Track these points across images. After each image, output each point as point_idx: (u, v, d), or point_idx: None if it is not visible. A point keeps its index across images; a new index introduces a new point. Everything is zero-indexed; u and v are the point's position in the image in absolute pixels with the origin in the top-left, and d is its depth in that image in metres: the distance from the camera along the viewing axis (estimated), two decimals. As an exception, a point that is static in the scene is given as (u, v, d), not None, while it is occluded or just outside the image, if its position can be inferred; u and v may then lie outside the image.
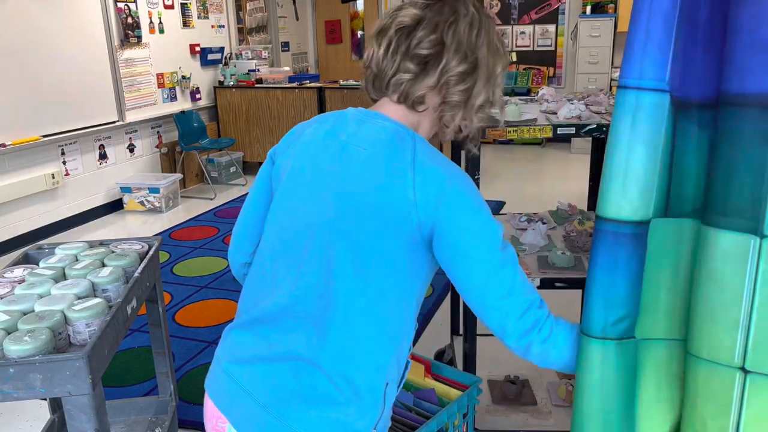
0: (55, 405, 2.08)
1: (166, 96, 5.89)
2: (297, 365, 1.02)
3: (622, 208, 0.92)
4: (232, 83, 6.47)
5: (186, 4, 6.10)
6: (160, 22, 5.76)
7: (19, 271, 1.77)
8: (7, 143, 4.27)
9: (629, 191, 0.91)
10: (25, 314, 1.51)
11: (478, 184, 1.79)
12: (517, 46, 7.62)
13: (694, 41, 0.89)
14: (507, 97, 2.25)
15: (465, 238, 0.98)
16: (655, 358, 0.97)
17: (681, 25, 0.88)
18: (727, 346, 0.87)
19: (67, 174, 4.90)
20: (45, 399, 2.21)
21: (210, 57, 6.45)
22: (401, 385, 1.11)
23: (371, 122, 1.06)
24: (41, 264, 1.81)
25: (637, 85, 0.90)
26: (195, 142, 5.96)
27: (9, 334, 1.42)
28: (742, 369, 0.87)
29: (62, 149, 4.84)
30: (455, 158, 2.53)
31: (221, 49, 6.64)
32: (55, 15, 4.65)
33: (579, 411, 0.99)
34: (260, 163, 1.28)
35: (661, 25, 0.88)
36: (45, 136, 4.57)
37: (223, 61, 6.65)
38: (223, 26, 6.70)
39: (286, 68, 7.00)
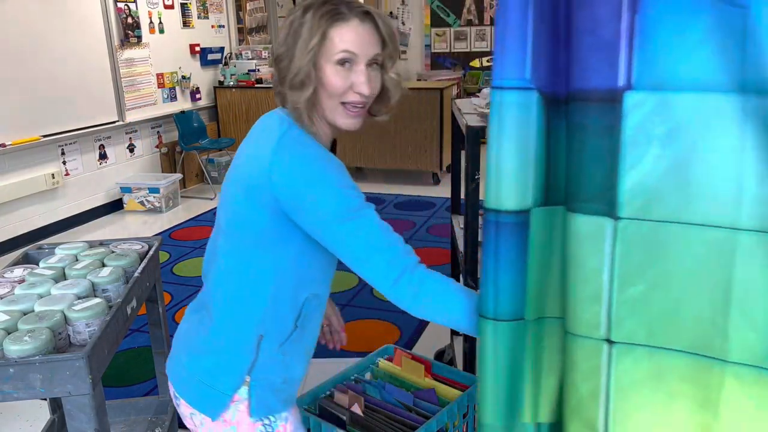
0: (55, 405, 2.08)
1: (166, 96, 5.89)
2: (202, 314, 1.25)
3: (501, 199, 0.98)
4: (232, 83, 6.48)
5: (186, 4, 6.10)
6: (160, 22, 5.76)
7: (19, 271, 1.77)
8: (7, 143, 4.27)
9: (503, 184, 0.97)
10: (25, 314, 1.51)
11: (477, 185, 1.79)
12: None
13: (557, 40, 0.94)
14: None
15: (311, 210, 1.09)
16: (541, 336, 1.05)
17: (539, 25, 0.93)
18: (592, 321, 0.95)
19: (67, 174, 4.90)
20: (45, 399, 2.21)
21: (210, 57, 6.45)
22: (302, 346, 1.24)
23: (273, 114, 1.21)
24: (41, 264, 1.81)
25: (499, 85, 0.95)
26: (195, 142, 5.96)
27: (9, 334, 1.42)
28: (608, 341, 0.95)
29: (62, 149, 4.85)
30: (456, 156, 2.53)
31: (221, 49, 6.64)
32: (55, 15, 4.65)
33: (480, 388, 1.07)
34: (260, 163, 1.33)
35: (516, 28, 0.93)
36: (45, 136, 4.57)
37: (223, 61, 6.65)
38: (223, 26, 6.70)
39: (286, 68, 6.98)
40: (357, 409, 1.54)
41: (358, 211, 1.09)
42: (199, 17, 6.29)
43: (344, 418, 1.51)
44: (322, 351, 1.45)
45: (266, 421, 1.22)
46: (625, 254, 0.92)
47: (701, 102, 0.85)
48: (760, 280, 0.85)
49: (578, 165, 0.95)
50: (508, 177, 0.96)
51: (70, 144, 4.91)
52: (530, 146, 0.96)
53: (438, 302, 1.09)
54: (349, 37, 1.11)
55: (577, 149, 0.94)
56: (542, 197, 1.00)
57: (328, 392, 1.63)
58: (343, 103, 1.15)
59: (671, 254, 0.90)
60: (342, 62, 1.12)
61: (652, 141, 0.88)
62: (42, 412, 2.42)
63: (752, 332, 0.86)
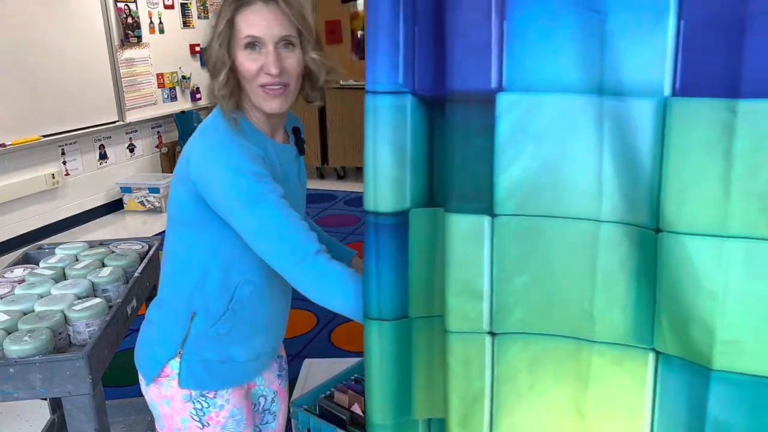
0: (55, 405, 2.08)
1: (166, 96, 5.89)
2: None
3: (378, 201, 1.00)
4: (232, 83, 6.46)
5: (186, 4, 6.10)
6: (160, 22, 5.76)
7: (19, 271, 1.77)
8: (7, 143, 4.27)
9: (380, 187, 0.99)
10: (25, 314, 1.51)
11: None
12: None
13: (436, 43, 0.97)
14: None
15: (218, 194, 1.13)
16: (425, 334, 1.07)
17: (412, 27, 0.96)
18: (475, 316, 0.99)
19: (67, 174, 4.90)
20: (45, 399, 2.21)
21: (210, 57, 6.44)
22: (242, 330, 1.27)
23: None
24: (41, 264, 1.81)
25: (372, 89, 0.98)
26: (195, 142, 5.95)
27: (9, 334, 1.42)
28: (491, 333, 1.00)
29: (62, 149, 4.84)
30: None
31: (221, 49, 6.63)
32: (56, 15, 4.64)
33: (367, 388, 1.09)
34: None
35: (387, 31, 0.96)
36: (45, 136, 4.56)
37: (223, 61, 6.64)
38: (223, 26, 6.69)
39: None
40: (357, 409, 1.54)
41: (262, 196, 1.11)
42: (199, 17, 6.29)
43: (344, 418, 1.51)
44: (322, 351, 1.45)
45: (198, 406, 1.27)
46: (505, 249, 0.97)
47: (567, 103, 0.90)
48: (619, 266, 0.93)
49: (457, 165, 0.97)
50: (385, 180, 0.99)
51: (71, 144, 4.91)
52: (406, 149, 1.00)
53: (335, 289, 1.11)
54: (252, 20, 1.15)
55: (456, 150, 0.96)
56: (423, 198, 1.03)
57: (328, 392, 1.63)
58: (261, 86, 1.17)
59: (547, 247, 0.96)
60: (250, 46, 1.16)
61: (526, 140, 0.93)
62: (42, 412, 2.42)
63: (614, 313, 0.94)
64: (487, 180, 0.95)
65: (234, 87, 1.19)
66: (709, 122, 0.84)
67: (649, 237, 0.90)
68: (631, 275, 0.93)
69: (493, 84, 0.92)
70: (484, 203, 0.96)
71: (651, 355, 0.95)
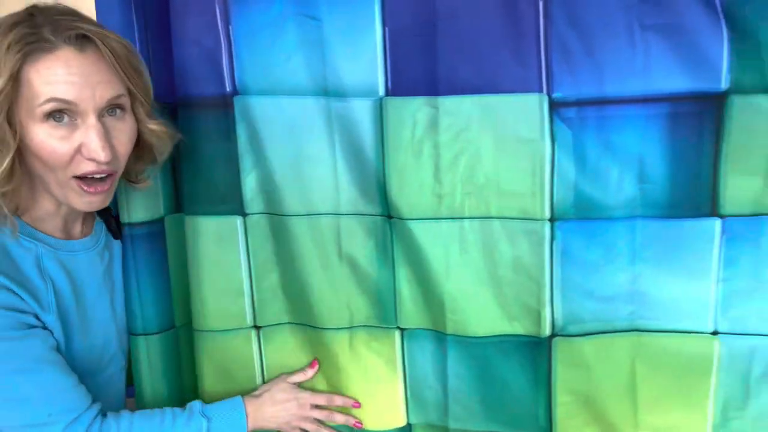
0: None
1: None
2: None
3: (131, 212, 1.00)
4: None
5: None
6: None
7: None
8: None
9: (131, 196, 0.99)
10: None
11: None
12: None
13: (168, 49, 0.99)
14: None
15: None
16: (190, 341, 1.09)
17: (144, 36, 0.99)
18: (239, 312, 1.06)
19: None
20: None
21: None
22: None
23: None
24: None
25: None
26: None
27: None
28: (255, 327, 1.07)
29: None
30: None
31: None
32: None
33: (137, 404, 1.08)
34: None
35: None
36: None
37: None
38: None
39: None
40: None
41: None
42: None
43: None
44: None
45: None
46: (258, 247, 1.04)
47: (300, 105, 0.96)
48: (360, 253, 1.02)
49: (204, 170, 1.01)
50: (135, 189, 0.98)
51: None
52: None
53: None
54: (56, 76, 0.76)
55: (201, 155, 1.00)
56: (176, 204, 1.06)
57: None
58: (77, 178, 0.82)
59: (297, 243, 1.02)
60: (53, 117, 0.78)
61: (266, 142, 0.99)
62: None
63: (361, 299, 1.03)
64: (235, 181, 1.00)
65: (20, 180, 0.80)
66: (417, 118, 0.94)
67: (383, 224, 1.00)
68: (372, 260, 1.02)
69: (228, 88, 0.97)
70: (235, 204, 1.01)
71: (396, 333, 1.04)
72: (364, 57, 0.94)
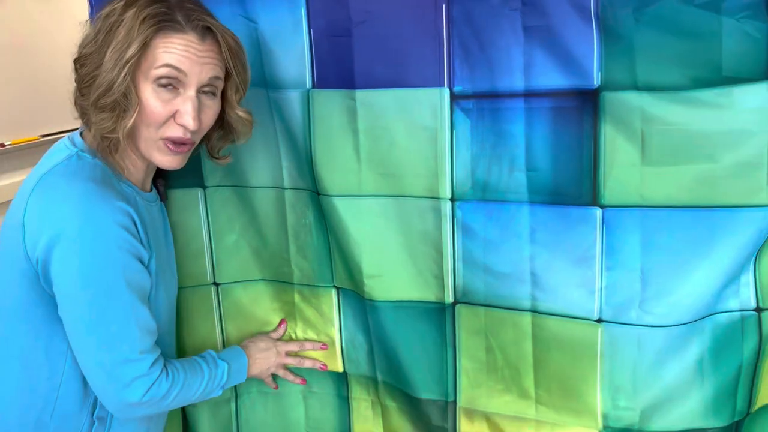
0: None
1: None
2: None
3: None
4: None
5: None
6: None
7: None
8: (6, 143, 4.31)
9: None
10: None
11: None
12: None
13: None
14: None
15: (65, 280, 0.88)
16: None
17: None
18: (200, 272, 1.22)
19: (68, 173, 4.90)
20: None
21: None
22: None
23: (60, 143, 0.99)
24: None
25: None
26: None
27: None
28: (215, 284, 1.23)
29: (63, 149, 4.84)
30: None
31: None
32: (55, 14, 4.67)
33: None
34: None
35: None
36: (44, 136, 4.59)
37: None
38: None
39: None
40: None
41: (116, 288, 0.91)
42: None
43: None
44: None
45: None
46: (216, 214, 1.20)
47: (250, 94, 1.05)
48: (298, 222, 1.17)
49: None
50: None
51: (71, 143, 4.91)
52: None
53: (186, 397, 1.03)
54: (177, 49, 0.89)
55: None
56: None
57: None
58: (164, 139, 0.93)
59: (250, 211, 1.19)
60: (164, 82, 0.90)
61: None
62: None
63: (303, 260, 1.18)
64: (197, 158, 1.15)
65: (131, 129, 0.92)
66: (339, 108, 1.07)
67: (315, 198, 1.14)
68: (310, 229, 1.17)
69: None
70: (197, 179, 1.18)
71: (333, 291, 1.20)
72: (294, 54, 1.08)
